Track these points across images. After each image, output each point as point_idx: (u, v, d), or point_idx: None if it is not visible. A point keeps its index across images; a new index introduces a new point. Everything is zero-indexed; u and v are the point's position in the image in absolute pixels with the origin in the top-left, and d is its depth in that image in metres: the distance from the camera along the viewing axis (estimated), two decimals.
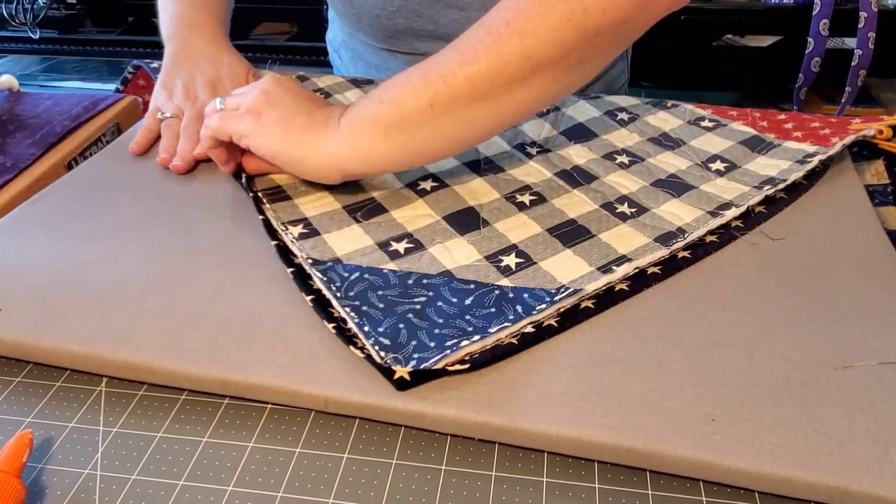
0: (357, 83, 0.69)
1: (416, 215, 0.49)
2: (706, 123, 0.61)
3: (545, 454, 0.35)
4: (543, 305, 0.40)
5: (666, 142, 0.58)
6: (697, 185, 0.52)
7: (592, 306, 0.41)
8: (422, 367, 0.36)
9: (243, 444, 0.35)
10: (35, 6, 1.51)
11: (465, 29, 0.66)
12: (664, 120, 0.62)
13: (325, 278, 0.42)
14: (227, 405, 0.37)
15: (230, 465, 0.34)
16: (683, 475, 0.33)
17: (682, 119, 0.62)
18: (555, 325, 0.39)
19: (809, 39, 1.13)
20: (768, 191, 0.50)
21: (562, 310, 0.40)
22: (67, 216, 0.50)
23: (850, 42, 1.15)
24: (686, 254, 0.45)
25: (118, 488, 0.33)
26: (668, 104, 0.64)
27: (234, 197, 0.52)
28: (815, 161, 0.53)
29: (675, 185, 0.52)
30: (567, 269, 0.43)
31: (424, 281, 0.43)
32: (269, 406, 0.37)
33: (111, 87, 0.77)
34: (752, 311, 0.41)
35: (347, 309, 0.40)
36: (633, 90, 0.80)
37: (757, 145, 0.57)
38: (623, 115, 0.62)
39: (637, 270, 0.43)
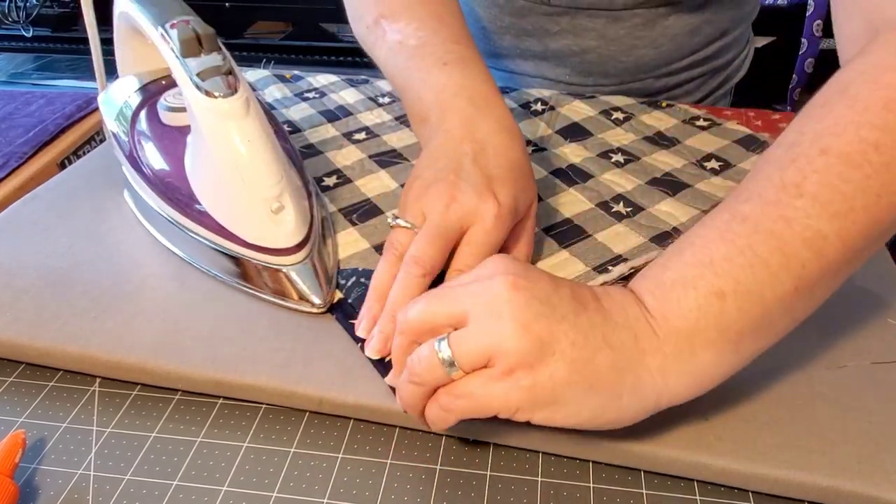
0: (353, 83, 0.68)
1: None
2: (701, 123, 0.61)
3: (540, 454, 0.35)
4: None
5: (661, 141, 0.59)
6: (692, 183, 0.52)
7: None
8: None
9: (238, 444, 0.35)
10: (28, 4, 1.50)
11: (576, 56, 0.59)
12: (659, 119, 0.62)
13: None
14: (221, 405, 0.37)
15: (224, 466, 0.34)
16: (678, 475, 0.34)
17: (676, 118, 0.62)
18: None
19: (803, 40, 1.14)
20: None
21: None
22: (60, 215, 0.50)
23: None
24: None
25: (111, 488, 0.33)
26: (663, 104, 0.64)
27: None
28: None
29: (670, 184, 0.52)
30: (563, 269, 0.43)
31: None
32: (264, 406, 0.37)
33: None
34: None
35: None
36: None
37: (751, 144, 0.57)
38: (618, 115, 0.62)
39: (633, 270, 0.43)
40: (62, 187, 0.53)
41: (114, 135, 0.48)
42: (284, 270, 0.41)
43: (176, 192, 0.44)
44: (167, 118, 0.46)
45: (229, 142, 0.40)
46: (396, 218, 0.40)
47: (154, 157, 0.46)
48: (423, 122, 0.45)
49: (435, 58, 0.46)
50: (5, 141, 0.61)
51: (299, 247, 0.41)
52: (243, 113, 0.40)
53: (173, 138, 0.45)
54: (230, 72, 0.40)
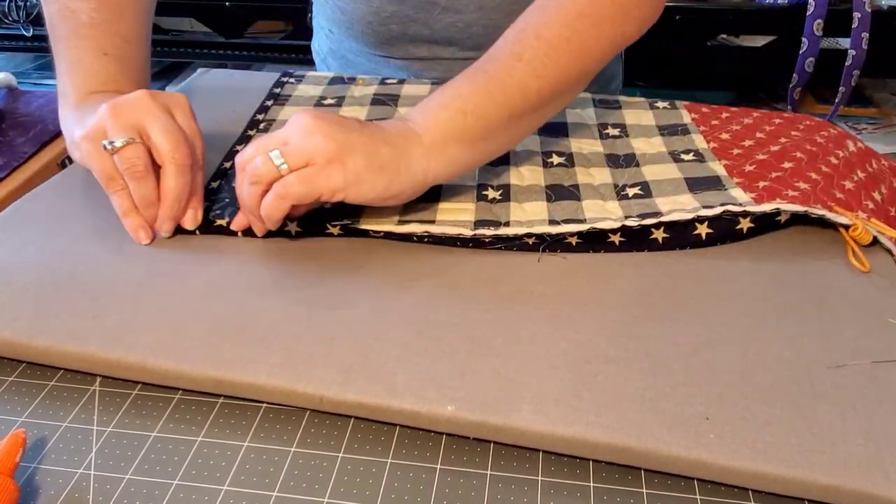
0: (344, 81, 0.69)
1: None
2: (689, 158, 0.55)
3: (540, 453, 0.35)
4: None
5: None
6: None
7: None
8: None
9: (238, 443, 0.35)
10: (28, 3, 1.50)
11: (462, 33, 0.66)
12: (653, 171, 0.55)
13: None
14: (221, 404, 0.37)
15: (225, 465, 0.34)
16: (678, 474, 0.34)
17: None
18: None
19: (803, 39, 1.13)
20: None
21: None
22: (60, 215, 0.50)
23: (844, 42, 1.15)
24: (664, 234, 0.46)
25: (112, 488, 0.33)
26: (660, 105, 0.64)
27: None
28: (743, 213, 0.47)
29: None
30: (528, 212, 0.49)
31: None
32: (264, 405, 0.37)
33: None
34: (745, 310, 0.41)
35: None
36: (629, 90, 0.80)
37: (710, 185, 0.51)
38: (612, 131, 0.61)
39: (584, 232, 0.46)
40: (62, 187, 0.53)
41: None
42: None
43: None
44: None
45: None
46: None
47: None
48: (63, 96, 0.52)
49: (98, 44, 0.53)
50: (6, 140, 0.61)
51: None
52: None
53: None
54: None
